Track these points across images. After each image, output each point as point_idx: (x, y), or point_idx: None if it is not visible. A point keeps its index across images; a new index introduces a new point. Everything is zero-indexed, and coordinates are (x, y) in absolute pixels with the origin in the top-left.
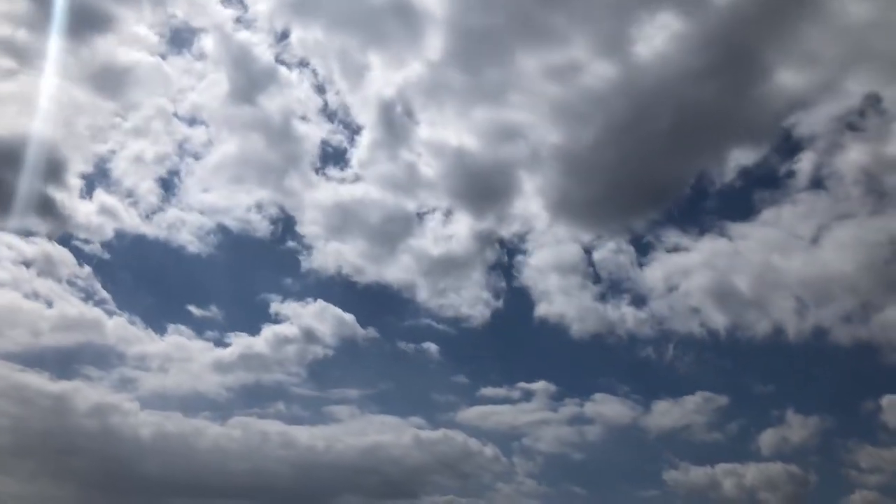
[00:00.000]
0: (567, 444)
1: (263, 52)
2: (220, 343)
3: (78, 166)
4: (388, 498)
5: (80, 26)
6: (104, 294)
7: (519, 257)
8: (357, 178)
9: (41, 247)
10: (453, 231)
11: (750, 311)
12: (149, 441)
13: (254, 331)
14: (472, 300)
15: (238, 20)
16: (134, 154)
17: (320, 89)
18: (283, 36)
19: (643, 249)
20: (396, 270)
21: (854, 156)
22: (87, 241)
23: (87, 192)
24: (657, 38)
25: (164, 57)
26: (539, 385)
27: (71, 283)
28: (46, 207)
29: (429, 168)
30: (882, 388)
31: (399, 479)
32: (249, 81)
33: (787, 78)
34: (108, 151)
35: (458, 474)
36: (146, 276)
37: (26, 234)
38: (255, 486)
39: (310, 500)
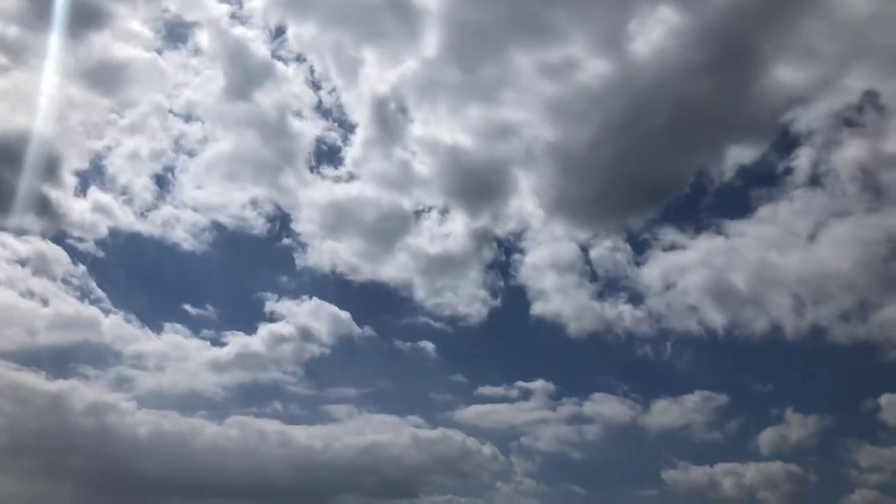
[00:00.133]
0: (566, 443)
1: (259, 47)
2: (216, 342)
3: (72, 163)
4: (387, 497)
5: (74, 21)
6: (100, 293)
7: (515, 256)
8: (352, 176)
9: (35, 245)
10: (449, 229)
11: (748, 309)
12: (146, 440)
13: (250, 329)
14: (469, 299)
15: (233, 16)
16: (129, 151)
17: (315, 86)
18: (279, 32)
19: (640, 247)
20: (392, 269)
21: (852, 152)
22: (80, 240)
23: (82, 189)
24: (655, 32)
25: (159, 52)
26: (537, 384)
27: (66, 282)
28: (40, 205)
29: (423, 166)
30: (881, 387)
31: (397, 479)
32: (245, 77)
33: (786, 74)
34: (104, 148)
35: (456, 473)
36: (141, 275)
37: (20, 232)
38: (252, 486)
39: (308, 500)
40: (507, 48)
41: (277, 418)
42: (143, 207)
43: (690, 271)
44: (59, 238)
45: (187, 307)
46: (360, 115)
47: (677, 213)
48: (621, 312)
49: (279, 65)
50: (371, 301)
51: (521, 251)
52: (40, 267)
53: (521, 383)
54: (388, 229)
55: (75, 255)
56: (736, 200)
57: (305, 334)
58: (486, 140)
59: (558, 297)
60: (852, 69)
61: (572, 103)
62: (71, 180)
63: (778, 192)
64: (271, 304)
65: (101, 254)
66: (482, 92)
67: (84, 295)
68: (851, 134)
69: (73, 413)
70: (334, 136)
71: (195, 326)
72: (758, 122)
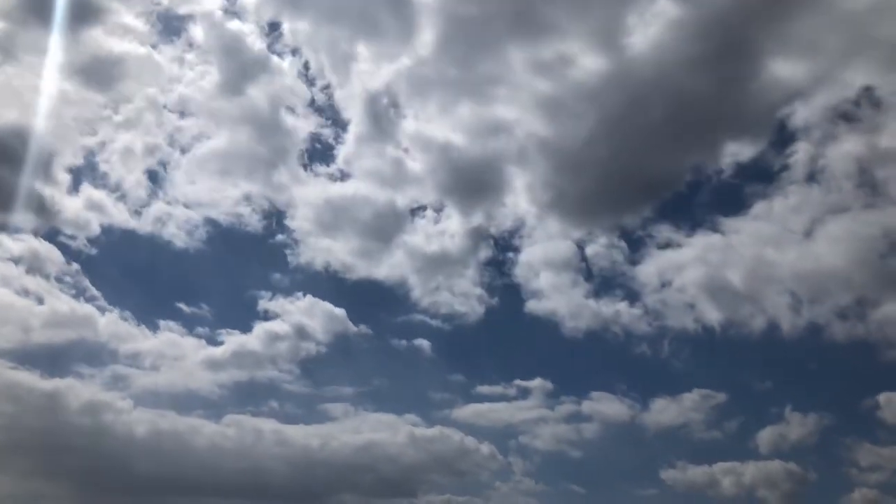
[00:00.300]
0: (564, 442)
1: (253, 42)
2: (211, 340)
3: (65, 160)
4: (385, 496)
5: (67, 16)
6: (94, 291)
7: (511, 254)
8: (344, 173)
9: (28, 243)
10: (444, 227)
11: (745, 307)
12: (142, 439)
13: (245, 328)
14: (464, 297)
15: (226, 11)
16: (123, 147)
17: (309, 81)
18: (273, 26)
19: (635, 245)
20: (387, 267)
21: (848, 147)
22: (73, 237)
23: (75, 186)
24: (653, 26)
25: (154, 47)
26: (535, 382)
27: (59, 280)
28: (33, 203)
29: (417, 163)
30: (879, 385)
31: (395, 478)
32: (239, 72)
33: (784, 68)
34: (97, 144)
35: (454, 472)
36: (135, 272)
37: (13, 230)
38: (249, 485)
39: (305, 499)
40: (501, 44)
41: (274, 417)
42: (137, 204)
43: (687, 269)
44: (51, 236)
45: (181, 305)
46: (352, 111)
47: (673, 211)
48: (618, 310)
49: (273, 59)
50: (366, 299)
51: (517, 249)
52: (34, 265)
53: (519, 382)
54: (383, 227)
55: (68, 253)
56: (731, 197)
57: (301, 332)
58: (480, 137)
59: (554, 295)
60: (850, 64)
61: (567, 100)
62: (64, 177)
63: (774, 188)
64: (265, 302)
65: (93, 251)
66: (476, 88)
67: (79, 293)
68: (848, 129)
69: (70, 412)
70: (327, 133)
71: (190, 324)
72: (755, 118)
